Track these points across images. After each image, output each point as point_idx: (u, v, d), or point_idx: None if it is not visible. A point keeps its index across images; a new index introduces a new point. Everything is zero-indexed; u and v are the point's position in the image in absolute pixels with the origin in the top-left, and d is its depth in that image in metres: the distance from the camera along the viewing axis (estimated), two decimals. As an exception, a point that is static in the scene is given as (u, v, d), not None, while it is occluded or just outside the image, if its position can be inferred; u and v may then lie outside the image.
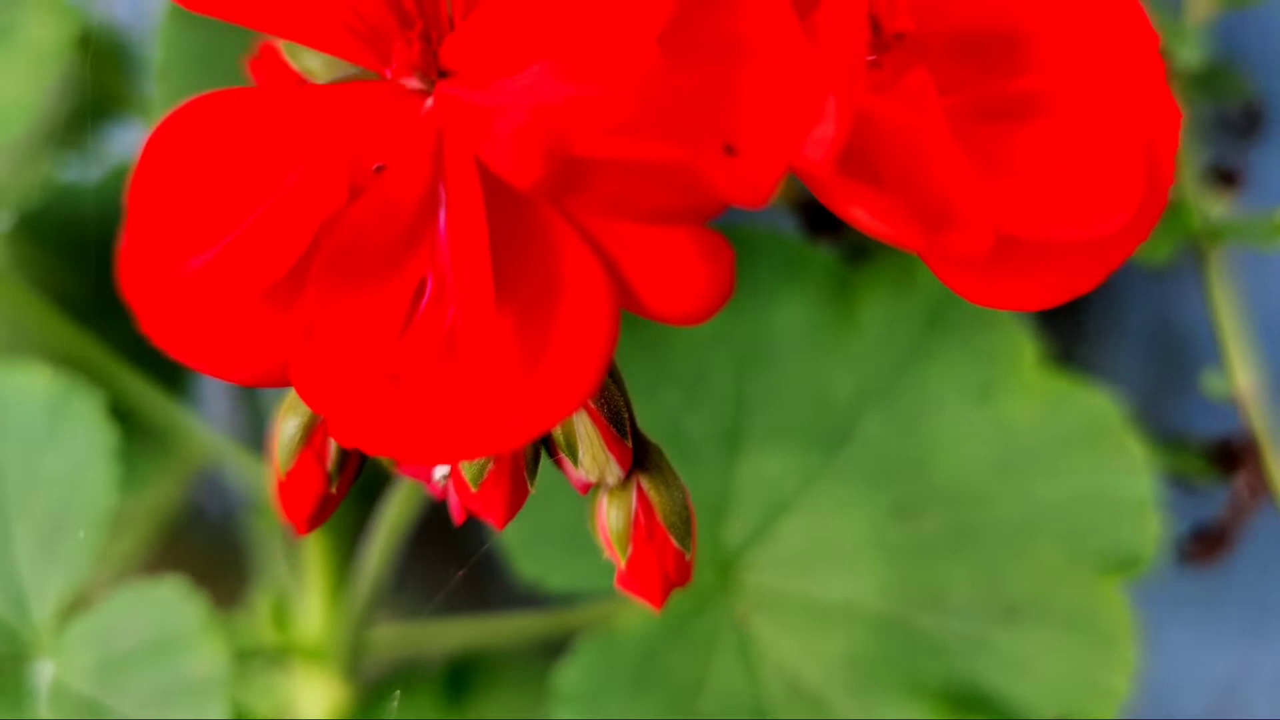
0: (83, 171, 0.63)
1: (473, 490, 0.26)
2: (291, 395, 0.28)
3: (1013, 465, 0.46)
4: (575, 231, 0.22)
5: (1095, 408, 0.45)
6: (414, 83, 0.22)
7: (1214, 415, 0.53)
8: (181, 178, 0.23)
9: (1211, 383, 0.47)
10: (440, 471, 0.27)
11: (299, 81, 0.28)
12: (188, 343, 0.23)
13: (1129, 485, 0.44)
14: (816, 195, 0.21)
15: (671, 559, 0.28)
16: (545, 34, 0.20)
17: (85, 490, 0.43)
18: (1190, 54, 0.41)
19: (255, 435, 0.62)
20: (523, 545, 0.47)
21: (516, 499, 0.26)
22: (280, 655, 0.52)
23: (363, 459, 0.29)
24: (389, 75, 0.22)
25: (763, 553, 0.47)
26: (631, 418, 0.27)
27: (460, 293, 0.21)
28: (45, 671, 0.43)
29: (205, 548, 0.68)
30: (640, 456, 0.28)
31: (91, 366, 0.49)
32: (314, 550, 0.55)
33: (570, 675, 0.45)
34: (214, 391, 0.65)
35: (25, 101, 0.43)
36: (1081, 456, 0.45)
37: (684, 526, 0.28)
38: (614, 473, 0.27)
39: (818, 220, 0.54)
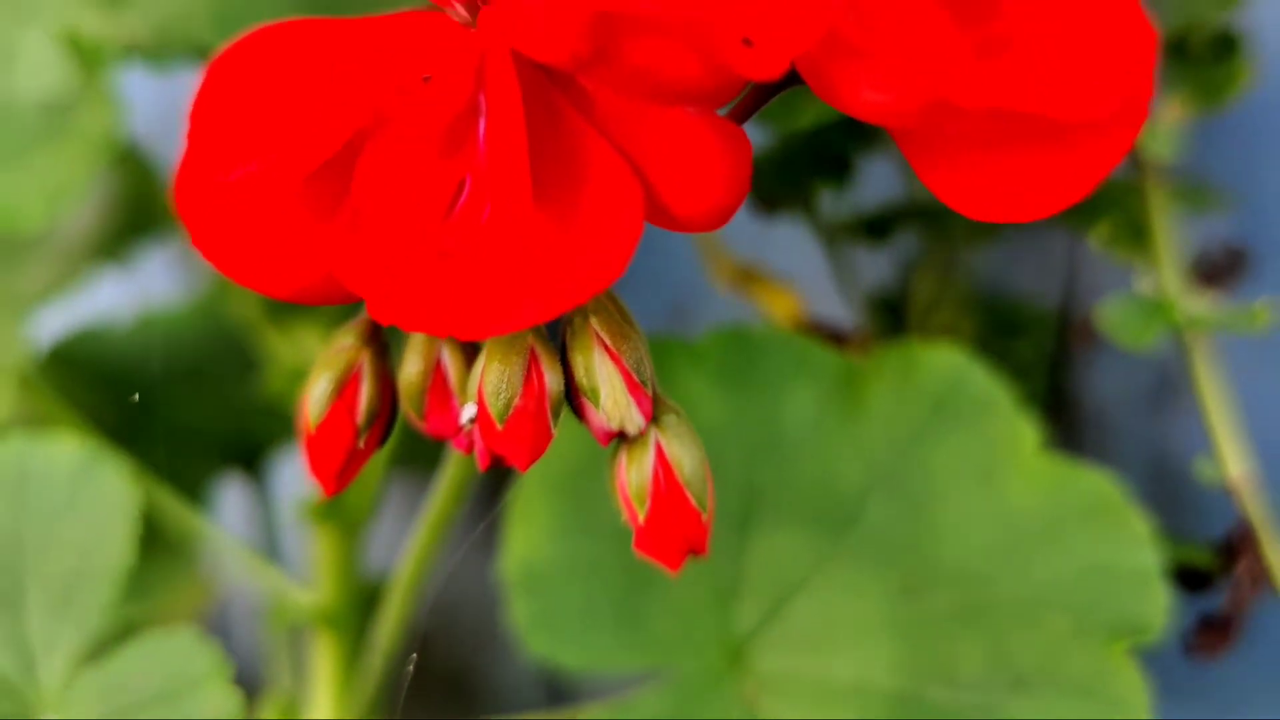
0: (115, 307, 0.67)
1: (499, 428, 0.27)
2: (325, 353, 0.30)
3: (1016, 544, 0.46)
4: (599, 133, 0.24)
5: (1096, 487, 0.46)
6: (460, 11, 0.25)
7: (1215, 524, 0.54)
8: (238, 100, 0.25)
9: (1204, 470, 0.48)
10: (467, 413, 0.28)
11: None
12: (235, 256, 0.25)
13: (1132, 557, 0.45)
14: (819, 83, 0.23)
15: (690, 519, 0.29)
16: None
17: (104, 550, 0.44)
18: (1161, 150, 0.44)
19: (269, 546, 0.64)
20: (536, 627, 0.47)
21: (540, 440, 0.27)
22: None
23: (389, 417, 0.30)
24: (440, 5, 0.25)
25: (773, 635, 0.47)
26: (652, 374, 0.29)
27: (498, 192, 0.23)
28: (49, 727, 0.42)
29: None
30: (659, 412, 0.29)
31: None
32: (322, 657, 0.55)
33: (582, 764, 0.44)
34: (230, 506, 0.66)
35: (75, 185, 0.46)
36: (1084, 532, 0.46)
37: (702, 486, 0.29)
38: (635, 420, 0.28)
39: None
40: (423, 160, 0.24)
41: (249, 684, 0.61)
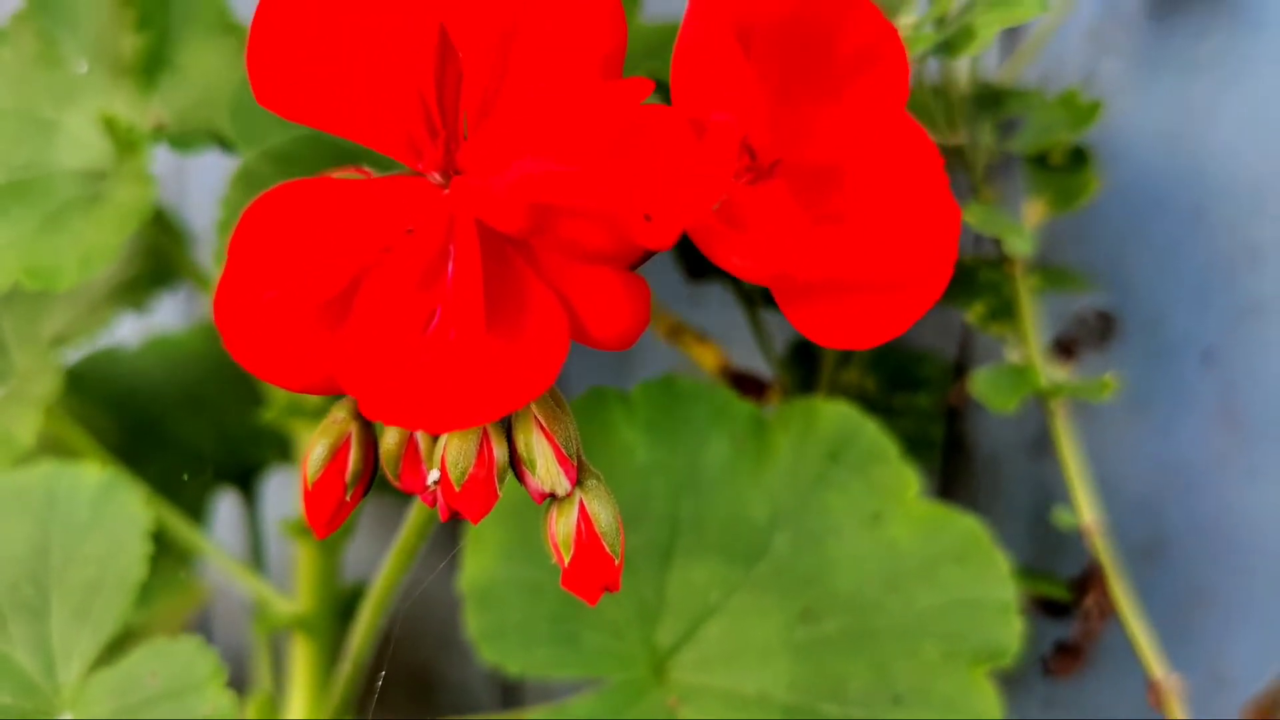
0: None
1: (456, 490, 0.35)
2: (323, 424, 0.37)
3: (899, 578, 0.54)
4: (540, 279, 0.32)
5: (968, 529, 0.54)
6: (437, 177, 0.33)
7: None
8: (266, 239, 0.33)
9: (1062, 518, 0.57)
10: (432, 476, 0.36)
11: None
12: (259, 359, 0.33)
13: (996, 592, 0.53)
14: (703, 248, 0.31)
15: (606, 563, 0.37)
16: (526, 146, 0.31)
17: (121, 565, 0.51)
18: (1023, 246, 0.52)
19: (257, 560, 0.71)
20: (486, 638, 0.55)
21: (489, 499, 0.35)
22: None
23: (371, 476, 0.38)
24: (420, 171, 0.33)
25: (690, 652, 0.55)
26: (579, 447, 0.37)
27: (459, 318, 0.31)
28: (65, 722, 0.49)
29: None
30: (583, 478, 0.37)
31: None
32: (300, 660, 0.62)
33: (524, 759, 0.52)
34: (225, 522, 0.74)
35: (108, 249, 0.53)
36: (956, 570, 0.54)
37: (615, 537, 0.37)
38: (562, 485, 0.36)
39: (742, 387, 0.64)
40: (405, 293, 0.32)
41: (231, 681, 0.68)
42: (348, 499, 0.37)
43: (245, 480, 0.74)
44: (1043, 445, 0.69)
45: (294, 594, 0.64)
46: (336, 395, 0.35)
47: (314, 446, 0.37)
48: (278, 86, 0.32)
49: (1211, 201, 0.65)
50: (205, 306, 0.78)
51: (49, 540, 0.53)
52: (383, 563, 0.54)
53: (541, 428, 0.36)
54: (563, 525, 0.37)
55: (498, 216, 0.30)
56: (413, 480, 0.37)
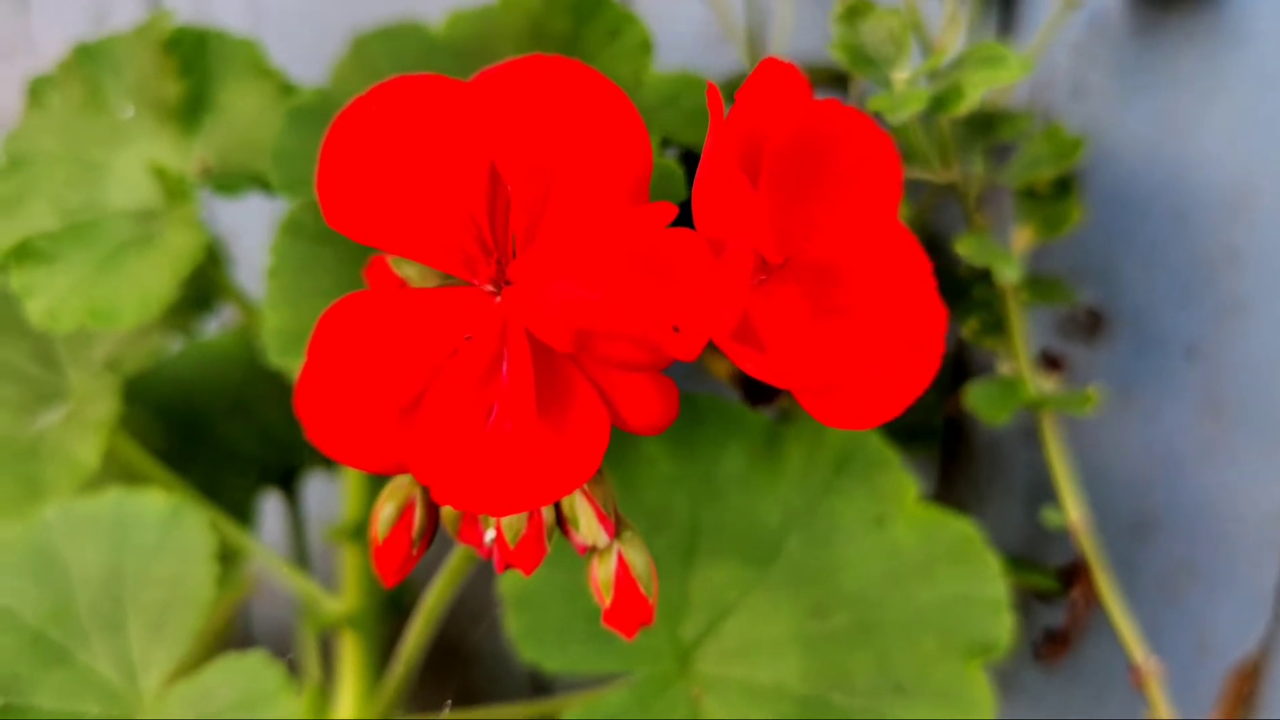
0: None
1: (511, 548, 0.40)
2: (389, 487, 0.42)
3: (900, 576, 0.59)
4: (583, 376, 0.36)
5: (962, 532, 0.59)
6: (490, 288, 0.37)
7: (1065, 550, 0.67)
8: (344, 343, 0.37)
9: (1050, 517, 0.61)
10: (489, 535, 0.40)
11: (400, 284, 0.43)
12: (343, 449, 0.37)
13: (989, 589, 0.58)
14: (725, 355, 0.35)
15: (641, 604, 0.42)
16: (567, 265, 0.35)
17: (190, 585, 0.56)
18: (1011, 274, 0.56)
19: (300, 557, 0.76)
20: (525, 637, 0.60)
21: (540, 555, 0.40)
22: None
23: (433, 533, 0.42)
24: (475, 283, 0.37)
25: (712, 646, 0.60)
26: (615, 504, 0.41)
27: (514, 413, 0.36)
28: (149, 730, 0.54)
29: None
30: (620, 530, 0.42)
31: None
32: (348, 656, 0.67)
33: (558, 744, 0.57)
34: (270, 523, 0.78)
35: (163, 292, 0.57)
36: (951, 569, 0.58)
37: (648, 580, 0.42)
38: (602, 539, 0.41)
39: (754, 393, 0.69)
40: (467, 391, 0.36)
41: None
42: (414, 554, 0.42)
43: (287, 480, 0.78)
44: (1037, 433, 0.74)
45: (340, 591, 0.69)
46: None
47: (383, 508, 0.42)
48: (346, 213, 0.36)
49: (1194, 206, 0.68)
50: (238, 314, 0.82)
51: (122, 562, 0.57)
52: (434, 579, 0.58)
53: (584, 492, 0.40)
54: (603, 571, 0.42)
55: (549, 338, 0.34)
56: (471, 535, 0.42)
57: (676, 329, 0.34)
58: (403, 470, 0.37)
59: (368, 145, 0.35)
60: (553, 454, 0.36)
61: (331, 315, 0.37)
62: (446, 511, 0.42)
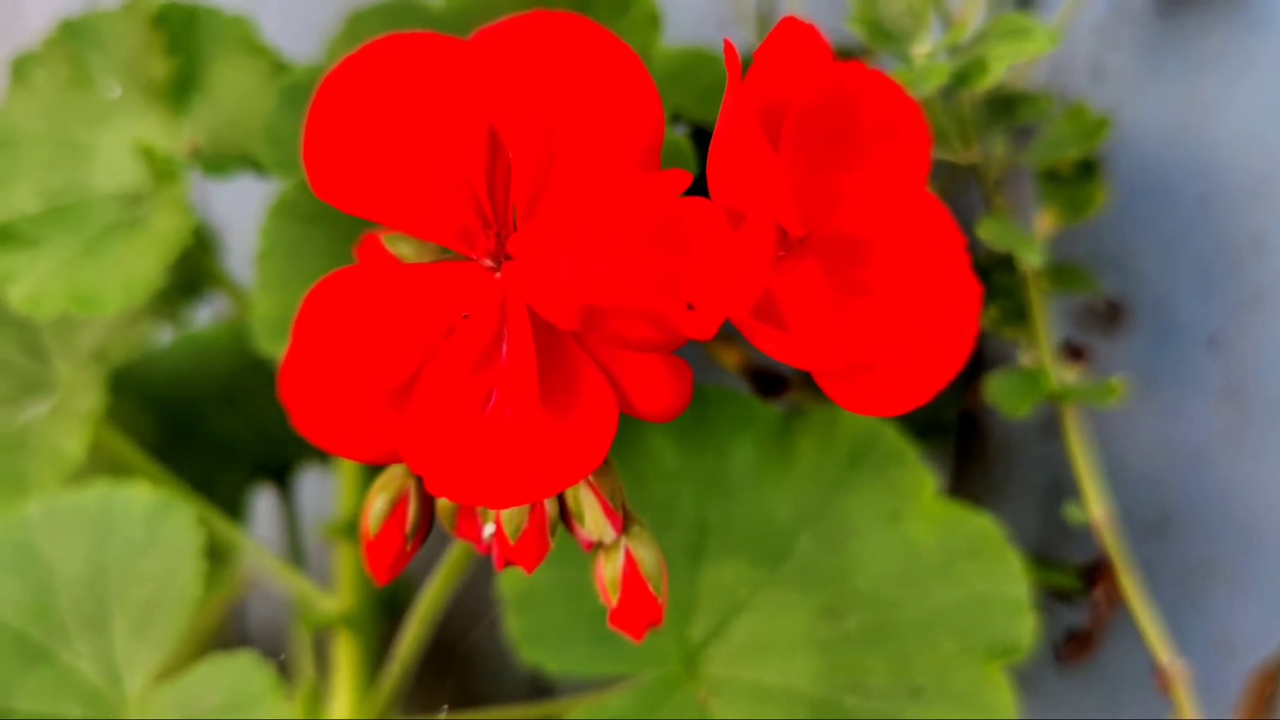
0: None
1: (511, 543, 0.37)
2: (381, 478, 0.40)
3: (916, 576, 0.57)
4: (589, 358, 0.34)
5: (982, 528, 0.56)
6: (489, 263, 0.35)
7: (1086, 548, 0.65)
8: (331, 322, 0.35)
9: (1072, 513, 0.59)
10: (488, 529, 0.38)
11: (394, 262, 0.40)
12: (330, 437, 0.35)
13: (1010, 589, 0.55)
14: (744, 335, 0.33)
15: (650, 603, 0.39)
16: (572, 238, 0.33)
17: (177, 583, 0.54)
18: (1034, 259, 0.54)
19: (294, 554, 0.73)
20: (526, 638, 0.57)
21: (542, 551, 0.38)
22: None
23: (429, 528, 0.40)
24: (473, 257, 0.35)
25: (720, 647, 0.57)
26: (623, 497, 0.39)
27: (514, 397, 0.33)
28: (132, 733, 0.52)
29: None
30: (628, 525, 0.39)
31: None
32: (343, 655, 0.65)
33: (564, 749, 0.55)
34: (263, 519, 0.76)
35: (149, 277, 0.55)
36: (971, 567, 0.56)
37: (658, 579, 0.40)
38: (609, 534, 0.39)
39: (764, 385, 0.67)
40: (463, 375, 0.34)
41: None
42: (407, 550, 0.39)
43: (281, 475, 0.76)
44: (1055, 427, 0.72)
45: (335, 589, 0.66)
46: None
47: (374, 501, 0.39)
48: (334, 182, 0.34)
49: (1217, 192, 0.66)
50: (228, 305, 0.79)
51: (107, 559, 0.55)
52: (431, 576, 0.56)
53: (589, 483, 0.38)
54: (610, 569, 0.39)
55: (553, 316, 0.31)
56: (469, 530, 0.39)
57: (691, 306, 0.32)
58: (396, 460, 0.35)
59: (358, 108, 0.33)
60: (556, 442, 0.33)
61: (318, 292, 0.34)
62: (442, 504, 0.39)
